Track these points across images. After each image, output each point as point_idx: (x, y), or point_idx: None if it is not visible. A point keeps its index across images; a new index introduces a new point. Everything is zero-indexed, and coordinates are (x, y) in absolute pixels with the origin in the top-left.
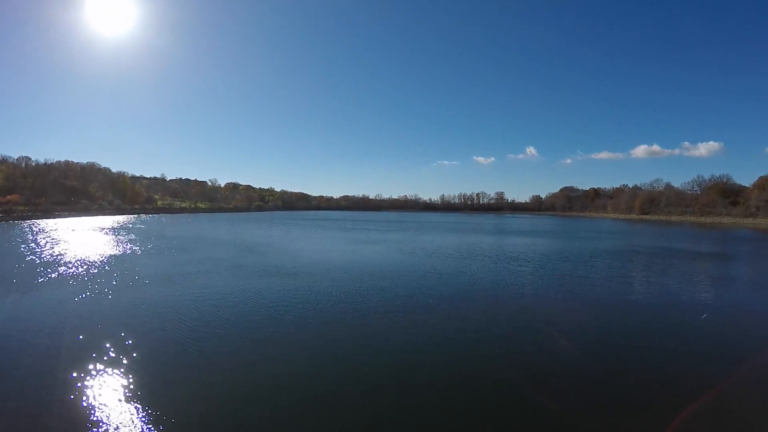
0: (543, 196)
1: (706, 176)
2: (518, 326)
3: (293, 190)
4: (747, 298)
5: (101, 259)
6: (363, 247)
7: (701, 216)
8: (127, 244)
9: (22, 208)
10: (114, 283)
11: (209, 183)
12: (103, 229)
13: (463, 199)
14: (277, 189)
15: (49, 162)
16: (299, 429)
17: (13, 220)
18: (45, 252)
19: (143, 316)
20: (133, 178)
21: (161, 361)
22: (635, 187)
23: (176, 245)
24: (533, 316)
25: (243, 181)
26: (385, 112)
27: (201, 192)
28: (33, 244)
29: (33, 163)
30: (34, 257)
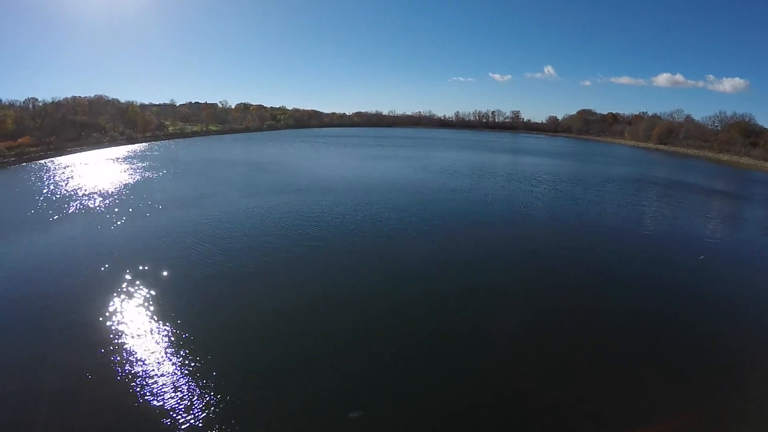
0: (560, 117)
1: (729, 113)
2: (526, 247)
3: (305, 108)
4: (751, 243)
5: (115, 190)
6: (376, 163)
7: (719, 153)
8: (140, 172)
9: (34, 149)
10: (130, 210)
11: (219, 105)
12: (115, 160)
13: (478, 116)
14: (289, 107)
15: (57, 100)
16: (319, 340)
17: (26, 162)
18: (59, 189)
19: (160, 241)
20: (143, 106)
21: (180, 283)
22: (654, 116)
23: (189, 169)
24: (542, 237)
25: (254, 101)
26: (398, 24)
27: (212, 114)
28: (47, 183)
29: (40, 104)
30: (49, 195)
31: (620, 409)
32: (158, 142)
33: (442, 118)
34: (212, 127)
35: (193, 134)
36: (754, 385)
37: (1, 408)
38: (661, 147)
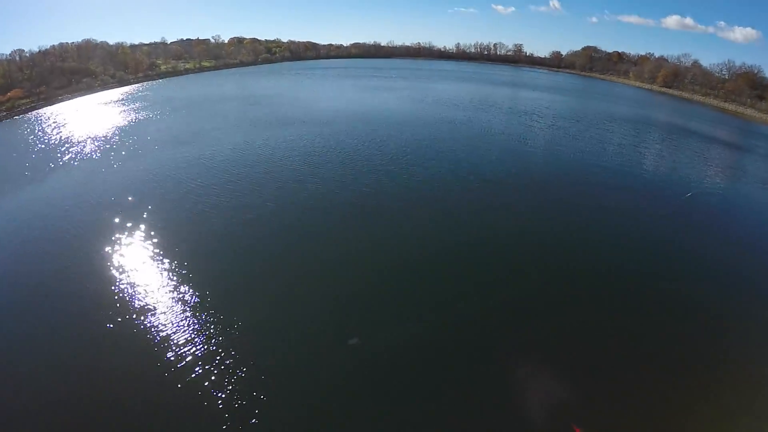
0: (564, 53)
1: (737, 63)
2: (522, 181)
3: (301, 40)
4: (744, 194)
5: (109, 134)
6: (374, 95)
7: (725, 102)
8: (133, 114)
9: (24, 101)
10: (123, 153)
11: (212, 40)
12: (108, 104)
13: (480, 49)
14: (284, 40)
15: (44, 49)
16: (319, 271)
17: (18, 115)
18: (52, 139)
19: (157, 182)
20: (133, 47)
21: (178, 222)
22: (661, 58)
23: (184, 107)
24: (539, 171)
25: (248, 35)
26: None
27: (204, 51)
28: (40, 135)
29: (27, 55)
30: (43, 147)
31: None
32: (151, 82)
33: (442, 49)
34: (206, 64)
35: (187, 72)
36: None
37: (6, 345)
38: (666, 90)
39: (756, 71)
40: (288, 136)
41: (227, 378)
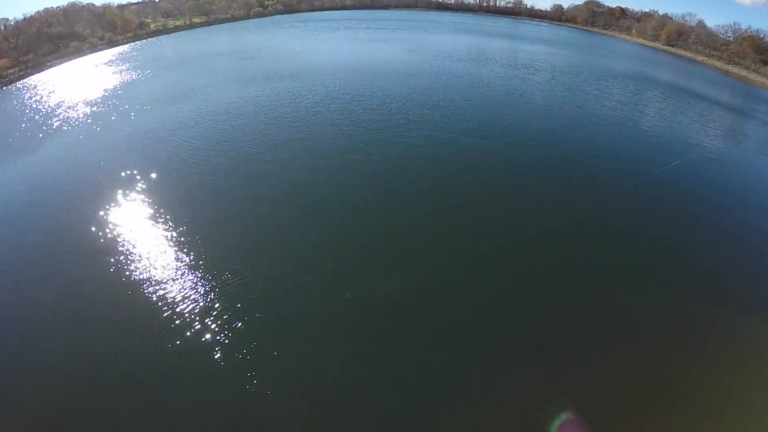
0: (565, 6)
1: (743, 26)
2: (520, 133)
3: None
4: (746, 160)
5: (99, 97)
6: (369, 46)
7: (728, 64)
8: (124, 75)
9: (12, 70)
10: (113, 118)
11: None
12: (98, 66)
13: (478, 0)
14: None
15: (28, 15)
16: (317, 224)
17: (5, 86)
18: (42, 107)
19: (149, 142)
20: (120, 6)
21: (172, 180)
22: (665, 16)
23: (175, 64)
24: (537, 125)
25: None
26: None
27: (195, 6)
28: (29, 103)
29: (12, 23)
30: (32, 115)
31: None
32: (141, 42)
33: (440, 1)
34: (196, 20)
35: (177, 29)
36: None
37: (10, 297)
38: (669, 49)
39: (762, 35)
40: (283, 91)
41: (230, 330)
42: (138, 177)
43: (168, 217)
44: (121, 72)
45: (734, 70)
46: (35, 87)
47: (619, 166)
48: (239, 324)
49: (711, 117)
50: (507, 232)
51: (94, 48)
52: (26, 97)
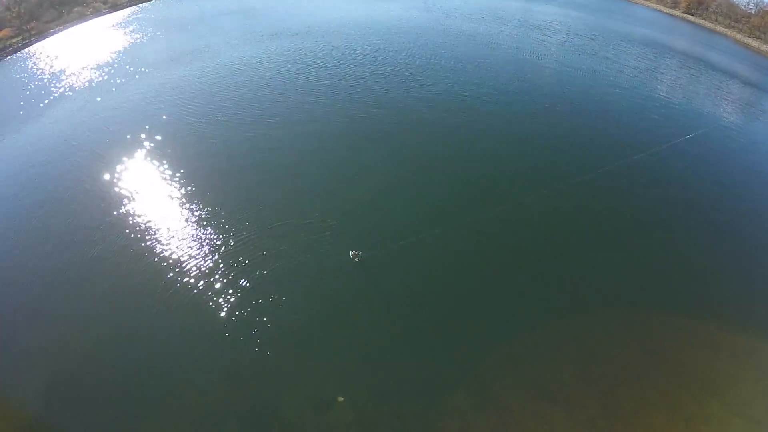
0: None
1: None
2: (531, 99)
3: None
4: (759, 136)
5: (103, 62)
6: (378, 4)
7: (748, 36)
8: (128, 38)
9: (15, 39)
10: (118, 82)
11: None
12: (102, 31)
13: None
14: None
15: None
16: (321, 179)
17: (9, 55)
18: (45, 75)
19: (155, 105)
20: None
21: (178, 140)
22: None
23: (179, 26)
24: (550, 90)
25: None
26: None
27: None
28: (33, 71)
29: None
30: (37, 83)
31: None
32: (146, 4)
33: None
34: None
35: None
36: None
37: (20, 260)
38: (688, 17)
39: None
40: (288, 49)
41: (235, 288)
42: (143, 140)
43: (174, 178)
44: (125, 35)
45: (754, 43)
46: (39, 55)
47: (635, 135)
48: (245, 282)
49: (728, 89)
50: (517, 196)
51: (97, 12)
52: (30, 66)
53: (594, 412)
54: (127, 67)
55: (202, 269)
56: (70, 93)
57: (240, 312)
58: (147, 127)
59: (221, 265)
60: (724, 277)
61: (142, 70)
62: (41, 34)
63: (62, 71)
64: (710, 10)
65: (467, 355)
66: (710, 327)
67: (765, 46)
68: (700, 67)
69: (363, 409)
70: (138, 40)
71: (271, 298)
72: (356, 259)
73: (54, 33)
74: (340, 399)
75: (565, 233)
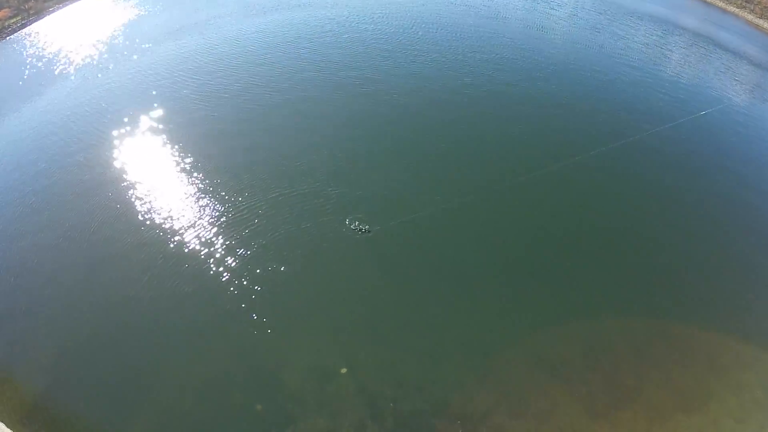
0: None
1: None
2: (537, 73)
3: None
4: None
5: (102, 39)
6: None
7: (760, 17)
8: (126, 13)
9: (14, 20)
10: (117, 57)
11: None
12: (99, 8)
13: None
14: None
15: None
16: (324, 154)
17: (7, 36)
18: (44, 54)
19: (153, 81)
20: None
21: (179, 116)
22: None
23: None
24: (557, 65)
25: None
26: None
27: None
28: (31, 52)
29: None
30: (35, 62)
31: None
32: None
33: None
34: None
35: None
36: None
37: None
38: None
39: None
40: (290, 21)
41: (235, 258)
42: (141, 115)
43: (173, 151)
44: (124, 11)
45: (765, 24)
46: (38, 35)
47: (642, 113)
48: (245, 251)
49: (737, 70)
50: (521, 172)
51: None
52: (29, 46)
53: (595, 388)
54: (126, 43)
55: (202, 239)
56: (70, 71)
57: (240, 282)
58: (145, 103)
59: (221, 236)
60: (729, 253)
61: (141, 46)
62: (40, 13)
63: (61, 50)
64: None
65: (469, 328)
66: (721, 306)
67: None
68: (710, 46)
69: (366, 380)
70: (137, 15)
71: (271, 267)
72: (359, 231)
73: (53, 11)
74: (343, 370)
75: (571, 210)
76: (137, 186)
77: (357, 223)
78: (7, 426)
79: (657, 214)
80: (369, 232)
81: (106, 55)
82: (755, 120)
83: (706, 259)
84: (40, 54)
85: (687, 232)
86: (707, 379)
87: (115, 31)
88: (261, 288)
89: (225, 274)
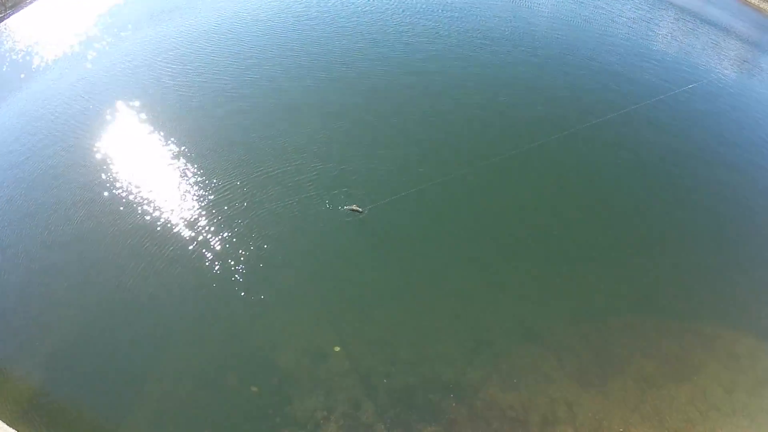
0: None
1: None
2: (520, 47)
3: None
4: (753, 93)
5: (82, 29)
6: None
7: None
8: (104, 1)
9: None
10: (97, 47)
11: None
12: None
13: None
14: None
15: None
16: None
17: None
18: (23, 48)
19: (134, 69)
20: None
21: (162, 104)
22: None
23: None
24: (541, 38)
25: None
26: None
27: None
28: (9, 46)
29: None
30: (11, 55)
31: None
32: None
33: None
34: None
35: None
36: None
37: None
38: None
39: None
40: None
41: (224, 240)
42: (123, 104)
43: (158, 138)
44: None
45: (765, 5)
46: (16, 28)
47: (629, 86)
48: (230, 232)
49: (725, 46)
50: (508, 147)
51: None
52: (6, 40)
53: (586, 360)
54: (106, 30)
55: (191, 223)
56: (49, 64)
57: (229, 263)
58: (125, 92)
59: (204, 217)
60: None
61: (121, 33)
62: (18, 6)
63: (39, 42)
64: None
65: (460, 303)
66: (713, 282)
67: (764, 3)
68: (697, 21)
69: (359, 358)
70: (116, 2)
71: (257, 247)
72: (355, 213)
73: (30, 3)
74: (337, 349)
75: (562, 181)
76: (117, 172)
77: (352, 205)
78: (7, 424)
79: (642, 184)
80: (363, 212)
81: (85, 46)
82: (740, 93)
83: (691, 229)
84: (19, 47)
85: (675, 197)
86: (696, 349)
87: (94, 19)
88: (250, 269)
89: (210, 255)
